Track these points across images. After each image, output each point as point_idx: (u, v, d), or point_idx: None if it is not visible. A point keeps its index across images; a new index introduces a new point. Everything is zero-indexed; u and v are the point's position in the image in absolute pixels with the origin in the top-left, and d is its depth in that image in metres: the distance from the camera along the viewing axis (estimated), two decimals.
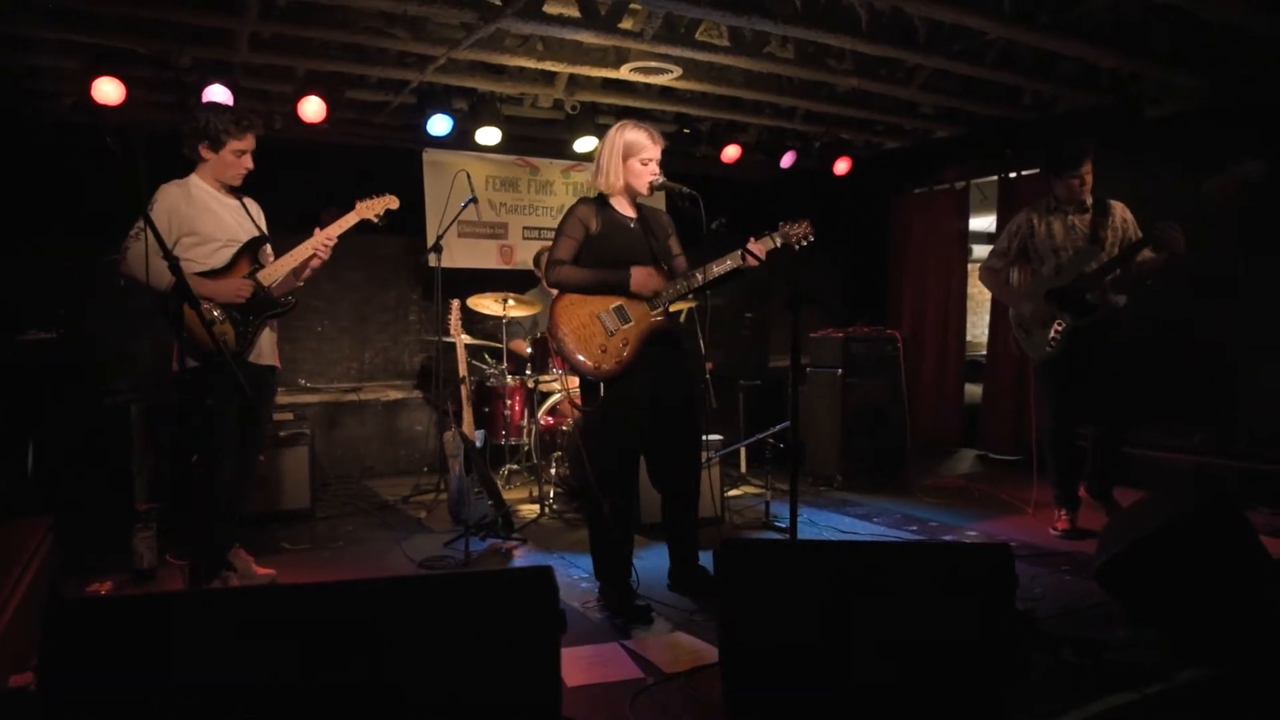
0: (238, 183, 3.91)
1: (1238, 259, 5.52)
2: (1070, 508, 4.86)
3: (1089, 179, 4.65)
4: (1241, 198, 4.21)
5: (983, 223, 8.91)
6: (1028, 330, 4.84)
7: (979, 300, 9.57)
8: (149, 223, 2.99)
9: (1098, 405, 4.80)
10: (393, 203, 4.09)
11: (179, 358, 3.58)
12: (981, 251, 10.39)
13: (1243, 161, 4.13)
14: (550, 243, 7.05)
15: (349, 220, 3.99)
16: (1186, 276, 4.60)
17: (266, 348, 3.95)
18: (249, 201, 3.99)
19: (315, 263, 3.94)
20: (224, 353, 3.38)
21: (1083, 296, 4.58)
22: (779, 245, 3.63)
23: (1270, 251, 5.46)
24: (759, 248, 3.56)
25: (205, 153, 3.80)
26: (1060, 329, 4.65)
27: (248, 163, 3.88)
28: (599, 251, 3.67)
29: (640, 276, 3.62)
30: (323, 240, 3.91)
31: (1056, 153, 4.70)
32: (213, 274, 3.74)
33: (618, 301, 3.65)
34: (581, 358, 3.57)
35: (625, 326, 3.62)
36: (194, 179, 3.84)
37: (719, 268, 3.59)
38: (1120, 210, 4.71)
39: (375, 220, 4.05)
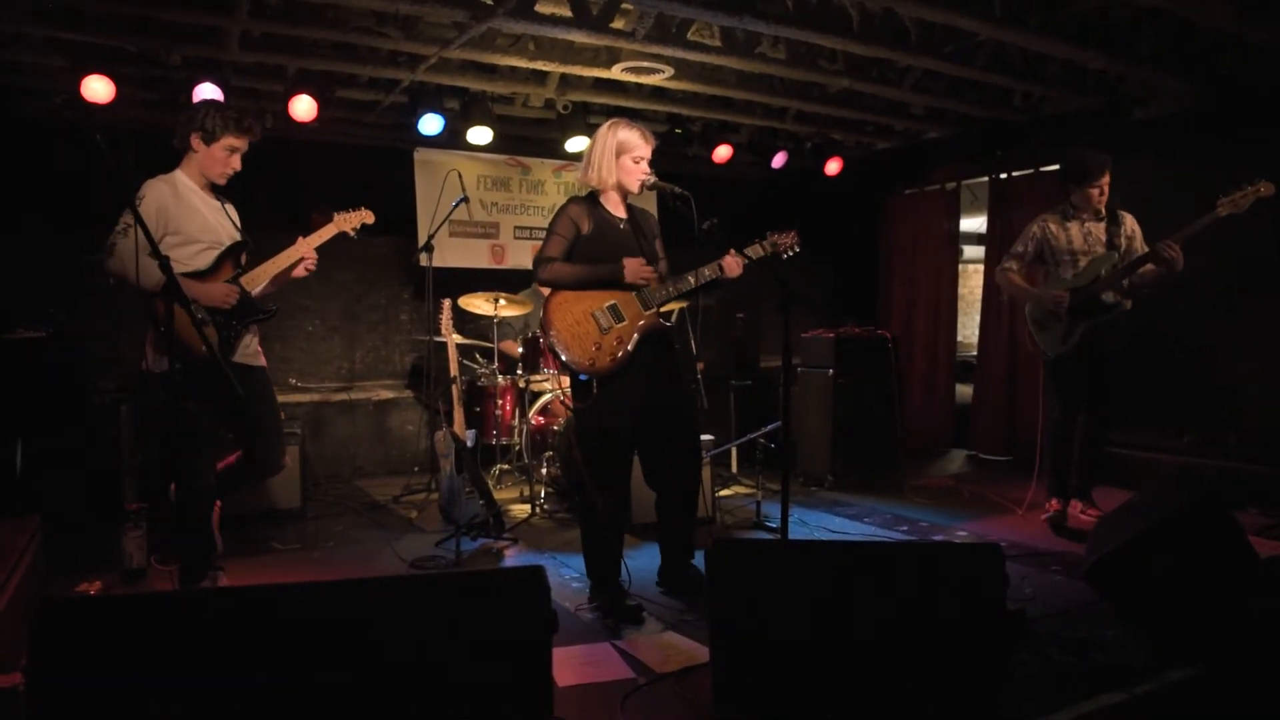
0: (223, 182, 3.85)
1: (1232, 264, 5.56)
2: (1062, 497, 5.06)
3: (1107, 189, 4.87)
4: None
5: (973, 223, 8.94)
6: (1042, 326, 5.03)
7: (969, 300, 9.60)
8: (139, 220, 2.97)
9: (1089, 402, 4.98)
10: (368, 218, 4.15)
11: (153, 358, 3.57)
12: (972, 252, 10.45)
13: (1255, 182, 4.37)
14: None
15: (329, 232, 4.04)
16: (1182, 276, 4.72)
17: (251, 349, 3.91)
18: (228, 205, 3.94)
19: (301, 272, 3.94)
20: (213, 355, 3.32)
21: (1098, 296, 4.79)
22: (768, 254, 3.72)
23: (1263, 256, 5.50)
24: (737, 262, 3.65)
25: (196, 143, 3.72)
26: (1078, 328, 4.84)
27: (236, 163, 3.82)
28: (590, 251, 3.66)
29: (633, 266, 3.62)
30: (306, 250, 3.92)
31: (1080, 163, 4.89)
32: (197, 276, 3.67)
33: (611, 300, 3.64)
34: (575, 355, 3.56)
35: (619, 325, 3.62)
36: (180, 176, 3.75)
37: (709, 271, 3.67)
38: (1131, 222, 4.95)
39: (351, 233, 4.12)
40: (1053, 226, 5.01)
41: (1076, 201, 4.94)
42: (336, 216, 4.08)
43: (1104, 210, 4.93)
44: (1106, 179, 4.84)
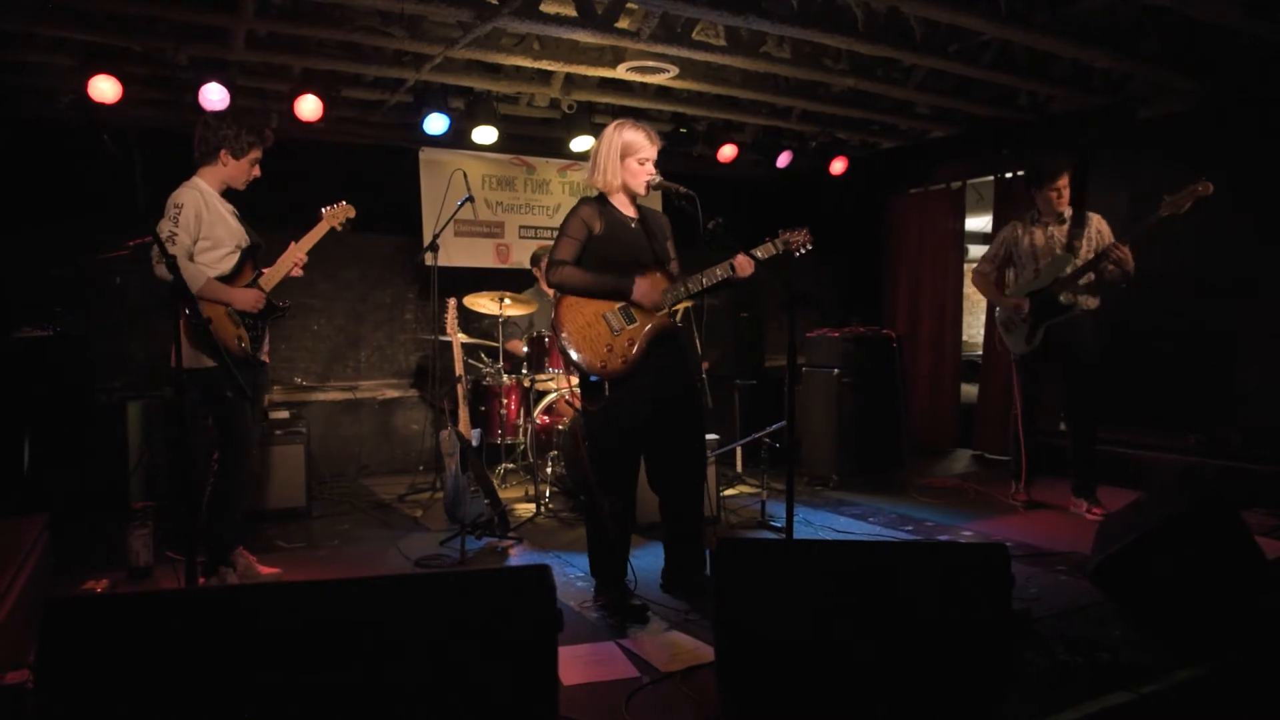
0: (243, 188, 4.01)
1: (1239, 260, 5.55)
2: (1017, 479, 5.51)
3: (1066, 192, 5.06)
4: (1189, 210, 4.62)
5: (979, 222, 8.92)
6: (1008, 328, 5.32)
7: (975, 300, 9.57)
8: (156, 237, 3.20)
9: (1068, 402, 5.29)
10: (350, 212, 4.25)
11: (182, 355, 3.60)
12: (977, 251, 10.43)
13: (1196, 180, 4.57)
14: (546, 242, 7.07)
15: (321, 229, 4.16)
16: (1185, 277, 4.77)
17: (266, 347, 4.11)
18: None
19: (297, 272, 4.10)
20: (248, 354, 3.78)
21: (1056, 298, 5.02)
22: (780, 252, 3.73)
23: (1271, 250, 5.49)
24: (748, 261, 3.63)
25: (225, 158, 3.88)
26: (1040, 329, 5.12)
27: (258, 171, 4.01)
28: (602, 252, 3.65)
29: (643, 288, 3.60)
30: (301, 254, 4.08)
31: (1035, 166, 5.13)
32: (224, 280, 3.84)
33: (622, 300, 3.64)
34: (586, 357, 3.56)
35: (630, 326, 3.61)
36: (201, 183, 3.88)
37: (721, 271, 3.65)
38: (1097, 221, 5.10)
39: (338, 228, 4.24)
40: (1019, 230, 5.26)
41: (1039, 205, 5.16)
42: (324, 213, 4.19)
43: (1067, 213, 5.10)
44: (1064, 181, 5.02)
